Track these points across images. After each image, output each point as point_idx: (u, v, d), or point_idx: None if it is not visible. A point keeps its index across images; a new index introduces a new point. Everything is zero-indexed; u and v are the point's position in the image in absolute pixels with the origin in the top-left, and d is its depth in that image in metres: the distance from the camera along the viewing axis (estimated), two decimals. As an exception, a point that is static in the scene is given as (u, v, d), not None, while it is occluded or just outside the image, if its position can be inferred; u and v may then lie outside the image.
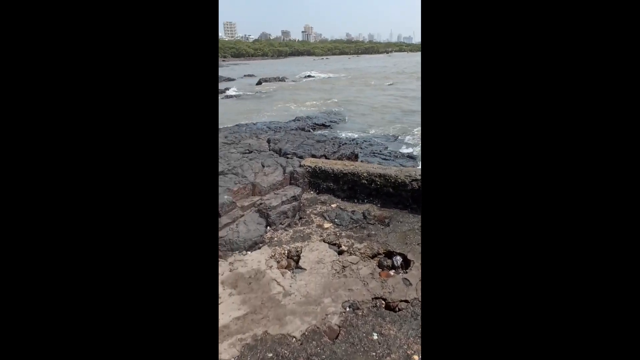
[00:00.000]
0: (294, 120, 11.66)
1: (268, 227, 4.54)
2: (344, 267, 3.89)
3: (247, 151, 6.43)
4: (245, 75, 37.60)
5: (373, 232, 4.52)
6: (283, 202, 4.79)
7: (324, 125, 11.66)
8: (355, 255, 4.10)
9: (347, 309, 3.29)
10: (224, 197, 4.50)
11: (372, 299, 3.42)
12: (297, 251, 4.20)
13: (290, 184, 5.37)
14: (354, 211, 4.93)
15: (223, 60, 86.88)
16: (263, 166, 5.54)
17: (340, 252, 4.18)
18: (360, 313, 3.24)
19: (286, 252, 4.21)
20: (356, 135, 10.48)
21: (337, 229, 4.60)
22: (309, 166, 5.44)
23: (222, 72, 42.56)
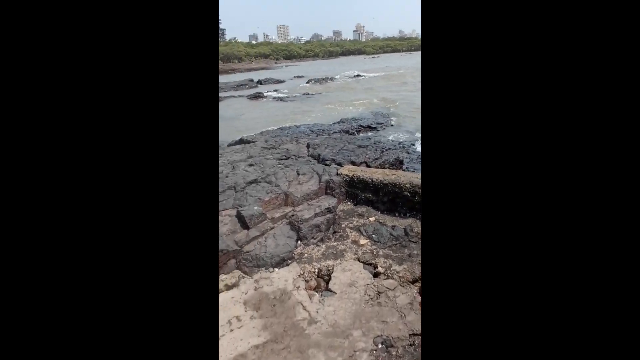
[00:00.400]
0: (338, 123, 11.29)
1: (299, 242, 4.24)
2: (379, 292, 3.45)
3: (284, 157, 6.20)
4: (295, 77, 37.97)
5: (415, 252, 4.02)
6: (316, 214, 4.46)
7: (369, 128, 11.14)
8: (393, 279, 3.64)
9: (379, 346, 2.86)
10: (253, 208, 4.28)
11: (410, 335, 2.95)
12: (328, 270, 3.83)
13: (326, 193, 5.02)
14: (395, 226, 4.45)
15: (275, 63, 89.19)
16: (298, 174, 5.25)
17: (375, 274, 3.74)
18: (394, 352, 2.79)
19: (316, 270, 3.87)
20: (403, 139, 9.84)
21: (374, 247, 4.17)
22: (346, 175, 5.05)
23: (273, 74, 43.41)
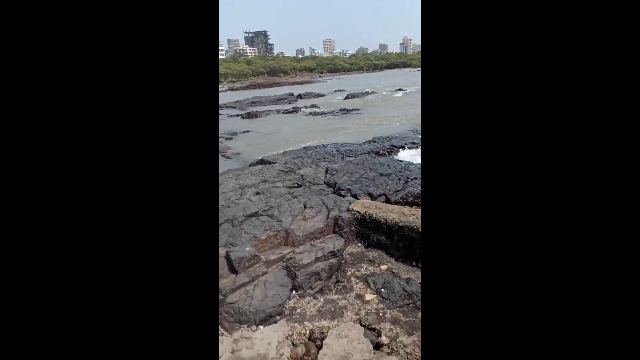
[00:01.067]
0: (369, 142, 10.60)
1: (293, 292, 3.65)
2: (377, 374, 2.75)
3: (296, 185, 5.68)
4: (335, 90, 37.72)
5: (431, 318, 3.26)
6: (317, 259, 3.86)
7: (402, 148, 10.34)
8: (398, 354, 2.92)
9: None
10: (245, 249, 3.77)
11: None
12: (322, 333, 3.20)
13: (334, 232, 4.40)
14: (409, 279, 3.72)
15: (320, 76, 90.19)
16: (305, 207, 4.70)
17: (377, 346, 3.04)
18: None
19: (307, 332, 3.25)
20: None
21: (381, 305, 3.47)
22: (357, 212, 4.40)
23: (314, 88, 43.57)
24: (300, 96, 32.02)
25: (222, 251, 3.88)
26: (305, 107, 22.52)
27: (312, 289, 3.70)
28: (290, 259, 3.88)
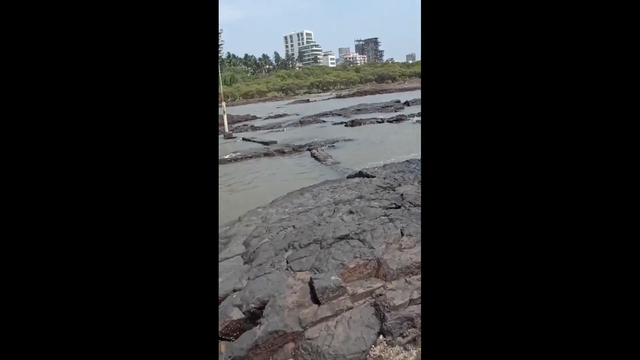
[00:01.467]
0: (483, 157, 9.30)
1: (380, 336, 3.15)
2: None
3: (394, 205, 5.13)
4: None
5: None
6: (412, 301, 3.29)
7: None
8: None
9: None
10: (330, 278, 3.44)
11: None
12: (412, 399, 2.63)
13: (435, 268, 3.73)
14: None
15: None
16: (402, 234, 4.14)
17: None
18: None
19: (393, 393, 2.72)
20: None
21: (492, 378, 2.71)
22: (466, 248, 3.64)
23: (423, 94, 41.47)
24: (407, 103, 30.83)
25: (306, 276, 3.62)
26: (412, 114, 21.40)
27: (404, 337, 3.14)
28: (380, 295, 3.39)
